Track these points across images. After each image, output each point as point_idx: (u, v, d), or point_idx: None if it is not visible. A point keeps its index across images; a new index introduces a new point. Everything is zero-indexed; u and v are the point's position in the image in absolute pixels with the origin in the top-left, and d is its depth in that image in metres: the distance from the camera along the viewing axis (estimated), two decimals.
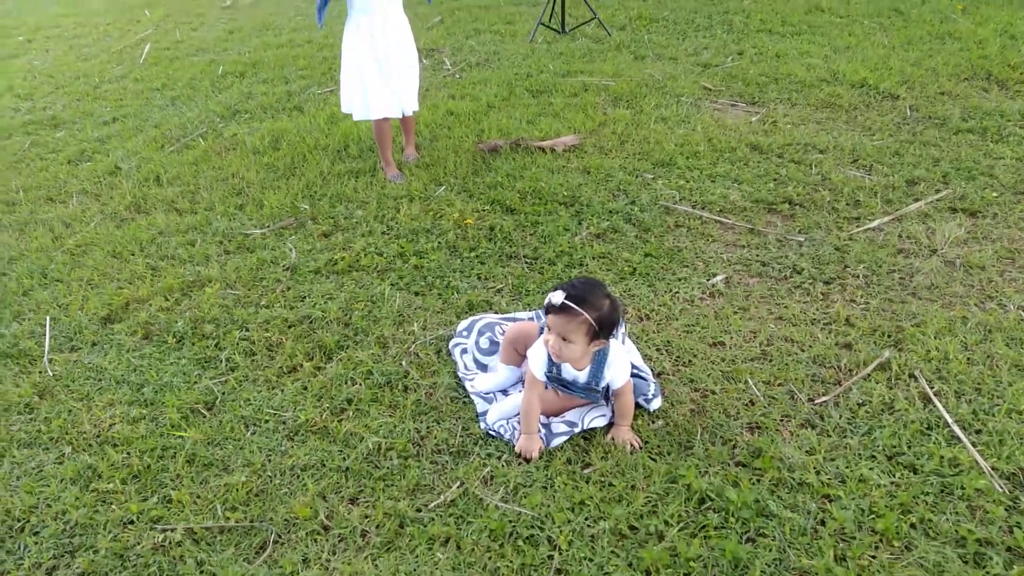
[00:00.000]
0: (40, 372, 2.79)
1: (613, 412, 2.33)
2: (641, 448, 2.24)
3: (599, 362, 2.22)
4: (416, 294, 3.09)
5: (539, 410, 2.29)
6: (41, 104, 6.02)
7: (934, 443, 2.17)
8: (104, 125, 5.43)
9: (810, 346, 2.62)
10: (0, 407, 2.62)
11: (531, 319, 2.70)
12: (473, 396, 2.48)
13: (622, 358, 2.24)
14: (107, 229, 3.83)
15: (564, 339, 2.12)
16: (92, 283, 3.35)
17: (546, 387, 2.36)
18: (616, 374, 2.22)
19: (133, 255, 3.55)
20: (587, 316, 2.06)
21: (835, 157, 4.00)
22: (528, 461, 2.22)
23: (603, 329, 2.11)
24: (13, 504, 2.20)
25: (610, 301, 2.13)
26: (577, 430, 2.30)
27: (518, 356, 2.47)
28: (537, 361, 2.27)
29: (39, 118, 5.67)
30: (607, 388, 2.29)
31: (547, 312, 2.14)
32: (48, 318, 3.09)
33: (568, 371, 2.26)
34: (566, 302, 2.07)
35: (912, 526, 1.93)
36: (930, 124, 4.34)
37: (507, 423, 2.33)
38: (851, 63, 5.36)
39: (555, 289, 2.13)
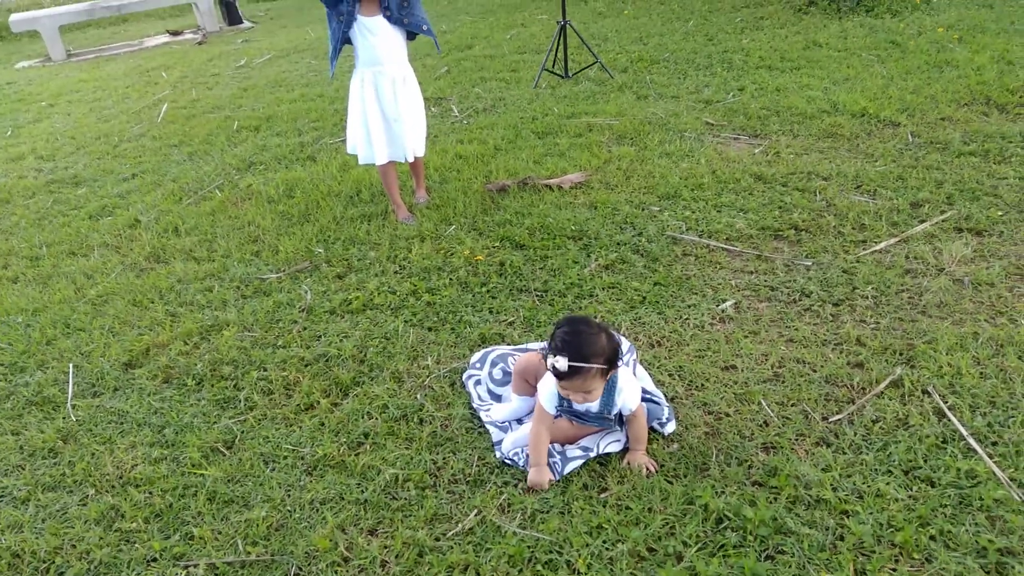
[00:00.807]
0: (64, 418, 2.84)
1: (628, 437, 2.35)
2: (657, 471, 2.25)
3: (609, 390, 2.25)
4: (429, 329, 3.14)
5: (548, 442, 2.30)
6: (63, 164, 6.21)
7: (950, 456, 2.17)
8: (124, 181, 5.59)
9: (822, 366, 2.63)
10: (25, 452, 2.67)
11: (543, 350, 2.73)
12: (488, 425, 2.50)
13: (631, 383, 2.26)
14: (127, 279, 3.92)
15: (585, 392, 2.16)
16: (113, 331, 3.42)
17: (559, 416, 2.38)
18: (627, 399, 2.24)
19: (153, 303, 3.63)
20: (597, 367, 2.09)
21: (839, 184, 4.06)
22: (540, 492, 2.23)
23: (612, 363, 2.15)
24: (38, 546, 2.23)
25: (605, 334, 2.13)
26: (592, 455, 2.31)
27: (529, 386, 2.50)
28: (547, 394, 2.29)
29: (61, 177, 5.85)
30: (620, 414, 2.31)
31: (557, 377, 2.14)
32: (71, 365, 3.16)
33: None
34: (573, 365, 2.06)
35: (932, 538, 1.92)
36: (932, 149, 4.39)
37: (522, 451, 2.35)
38: (851, 94, 5.45)
39: (552, 353, 2.08)
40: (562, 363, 2.05)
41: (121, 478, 2.49)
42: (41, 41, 13.05)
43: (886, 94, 5.39)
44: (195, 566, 2.10)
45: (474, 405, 2.62)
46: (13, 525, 2.34)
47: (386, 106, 3.96)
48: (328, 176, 5.06)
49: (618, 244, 3.63)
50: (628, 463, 2.28)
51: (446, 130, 5.85)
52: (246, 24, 13.97)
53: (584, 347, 2.08)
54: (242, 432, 2.64)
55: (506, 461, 2.35)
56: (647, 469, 2.25)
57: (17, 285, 4.05)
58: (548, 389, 2.29)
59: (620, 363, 2.22)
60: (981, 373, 2.51)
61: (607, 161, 4.72)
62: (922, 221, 3.57)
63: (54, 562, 2.18)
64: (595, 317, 3.05)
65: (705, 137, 5.01)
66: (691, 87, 6.20)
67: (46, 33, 12.36)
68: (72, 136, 7.05)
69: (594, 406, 2.27)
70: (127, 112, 7.80)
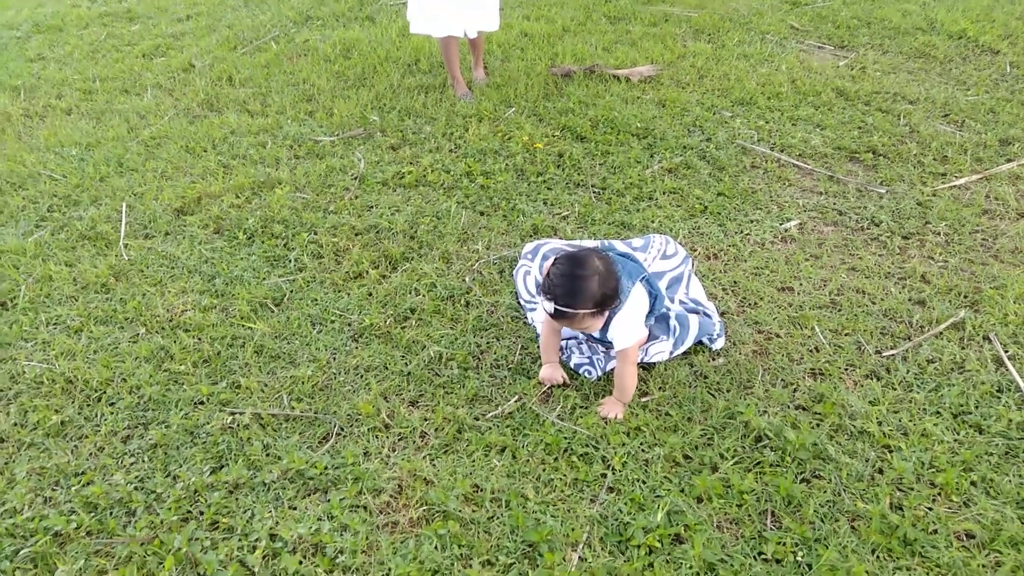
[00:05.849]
0: (116, 255, 2.88)
1: (675, 347, 2.30)
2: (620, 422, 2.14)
3: (611, 319, 2.12)
4: (481, 213, 3.09)
5: (557, 342, 2.27)
6: None
7: (1003, 406, 2.12)
8: (178, 22, 5.44)
9: (882, 299, 2.56)
10: (79, 285, 2.73)
11: (597, 248, 2.67)
12: (532, 322, 2.49)
13: (628, 321, 2.10)
14: (180, 124, 3.88)
15: (578, 329, 2.09)
16: (166, 175, 3.41)
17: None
18: (617, 333, 2.09)
19: (205, 151, 3.60)
20: (583, 312, 1.97)
21: (925, 109, 3.81)
22: (554, 387, 2.22)
23: (605, 305, 2.02)
24: (91, 376, 2.31)
25: (599, 277, 1.98)
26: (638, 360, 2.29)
27: None
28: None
29: (115, 10, 5.71)
30: (650, 331, 2.25)
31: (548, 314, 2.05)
32: (124, 205, 3.18)
33: None
34: (559, 308, 1.96)
35: (973, 483, 1.90)
36: None
37: (566, 344, 2.34)
38: (951, 12, 5.04)
39: (543, 293, 2.00)
40: (548, 306, 1.98)
41: (171, 321, 2.54)
42: None
43: (989, 16, 4.98)
44: (241, 414, 2.16)
45: (521, 301, 2.59)
46: (67, 352, 2.42)
47: None
48: (387, 40, 4.87)
49: (684, 148, 3.48)
50: (597, 411, 2.15)
51: (512, 3, 5.56)
52: None
53: (573, 295, 1.95)
54: (291, 291, 2.65)
55: None
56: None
57: (71, 117, 4.03)
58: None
59: (619, 302, 2.06)
60: None
61: (681, 56, 4.48)
62: (1009, 160, 3.37)
63: (105, 392, 2.26)
64: (652, 224, 2.97)
65: (788, 42, 4.70)
66: None
67: None
68: None
69: (595, 332, 2.18)
70: None
